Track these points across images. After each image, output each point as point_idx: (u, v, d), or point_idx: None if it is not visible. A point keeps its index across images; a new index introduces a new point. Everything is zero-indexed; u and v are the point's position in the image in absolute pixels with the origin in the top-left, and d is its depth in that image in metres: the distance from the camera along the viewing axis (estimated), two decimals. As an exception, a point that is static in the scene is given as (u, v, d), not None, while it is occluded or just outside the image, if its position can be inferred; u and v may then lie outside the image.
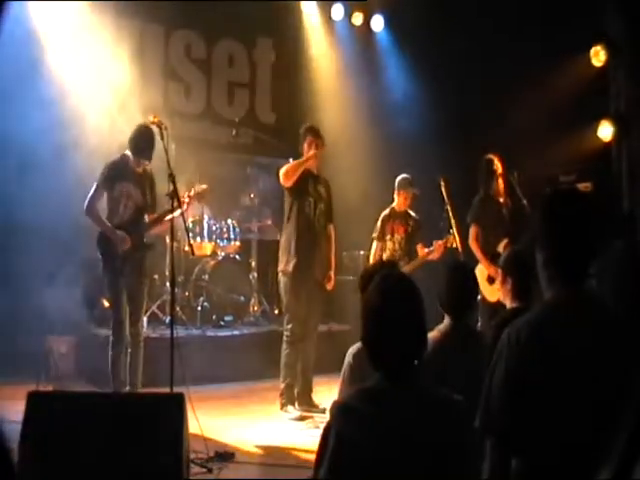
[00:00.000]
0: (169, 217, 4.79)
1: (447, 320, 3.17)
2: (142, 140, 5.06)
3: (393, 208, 6.22)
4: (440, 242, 5.83)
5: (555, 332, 1.88)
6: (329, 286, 5.65)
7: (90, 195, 5.06)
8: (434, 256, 5.87)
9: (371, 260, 6.13)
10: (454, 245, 5.79)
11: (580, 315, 1.90)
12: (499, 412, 1.89)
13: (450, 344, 3.03)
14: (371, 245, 6.25)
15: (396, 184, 6.21)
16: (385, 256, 6.08)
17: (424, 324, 2.04)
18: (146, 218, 5.21)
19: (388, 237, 6.15)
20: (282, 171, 5.51)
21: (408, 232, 6.14)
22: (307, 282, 5.44)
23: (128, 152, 5.13)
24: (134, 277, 5.06)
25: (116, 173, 5.09)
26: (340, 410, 1.96)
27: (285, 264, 5.48)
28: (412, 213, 6.25)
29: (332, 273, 5.64)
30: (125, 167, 5.12)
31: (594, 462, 1.76)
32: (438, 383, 2.02)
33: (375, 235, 6.18)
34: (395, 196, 6.21)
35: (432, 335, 3.18)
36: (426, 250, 5.96)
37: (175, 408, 3.40)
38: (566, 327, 1.88)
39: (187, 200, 5.09)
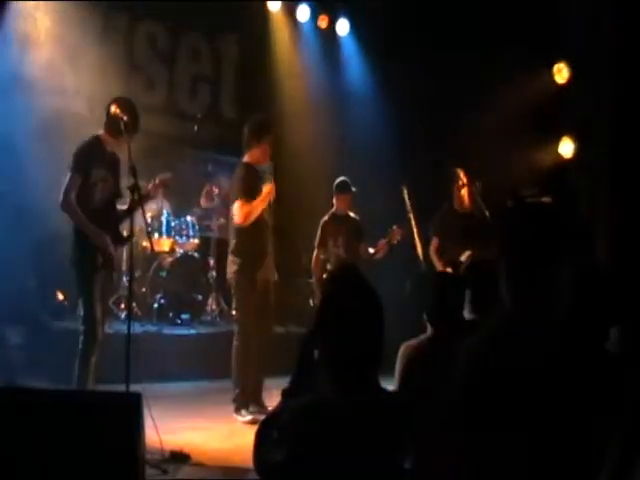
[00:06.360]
0: (138, 209, 4.45)
1: (430, 331, 3.14)
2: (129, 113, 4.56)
3: (333, 213, 6.23)
4: (383, 241, 5.89)
5: (504, 351, 1.88)
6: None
7: (65, 186, 4.46)
8: (379, 255, 5.92)
9: (312, 267, 6.15)
10: (397, 241, 5.85)
11: (531, 332, 1.90)
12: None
13: (434, 357, 2.87)
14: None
15: (333, 188, 6.20)
16: (330, 261, 6.09)
17: (383, 325, 1.97)
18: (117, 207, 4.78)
19: (331, 243, 6.14)
20: (241, 213, 5.19)
21: (350, 234, 6.15)
22: (259, 282, 5.37)
23: (101, 132, 4.65)
24: (108, 272, 4.73)
25: (92, 156, 4.56)
26: (299, 415, 1.92)
27: (237, 265, 5.35)
28: (352, 214, 6.27)
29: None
30: (99, 150, 4.63)
31: None
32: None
33: (316, 243, 6.18)
34: (334, 200, 6.21)
35: (414, 345, 3.18)
36: (371, 251, 6.00)
37: (132, 407, 3.35)
38: (515, 345, 1.88)
39: (151, 191, 4.73)
